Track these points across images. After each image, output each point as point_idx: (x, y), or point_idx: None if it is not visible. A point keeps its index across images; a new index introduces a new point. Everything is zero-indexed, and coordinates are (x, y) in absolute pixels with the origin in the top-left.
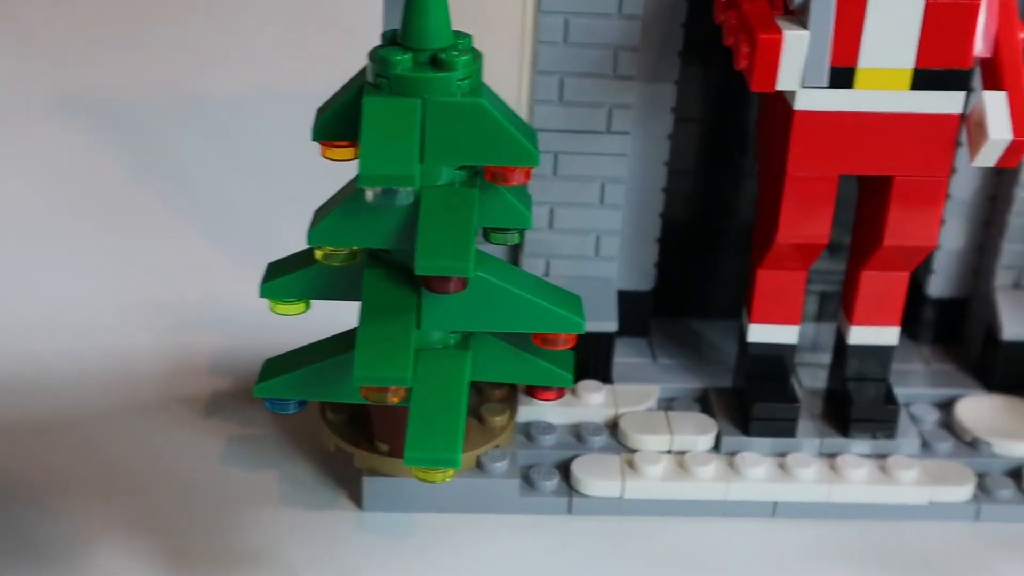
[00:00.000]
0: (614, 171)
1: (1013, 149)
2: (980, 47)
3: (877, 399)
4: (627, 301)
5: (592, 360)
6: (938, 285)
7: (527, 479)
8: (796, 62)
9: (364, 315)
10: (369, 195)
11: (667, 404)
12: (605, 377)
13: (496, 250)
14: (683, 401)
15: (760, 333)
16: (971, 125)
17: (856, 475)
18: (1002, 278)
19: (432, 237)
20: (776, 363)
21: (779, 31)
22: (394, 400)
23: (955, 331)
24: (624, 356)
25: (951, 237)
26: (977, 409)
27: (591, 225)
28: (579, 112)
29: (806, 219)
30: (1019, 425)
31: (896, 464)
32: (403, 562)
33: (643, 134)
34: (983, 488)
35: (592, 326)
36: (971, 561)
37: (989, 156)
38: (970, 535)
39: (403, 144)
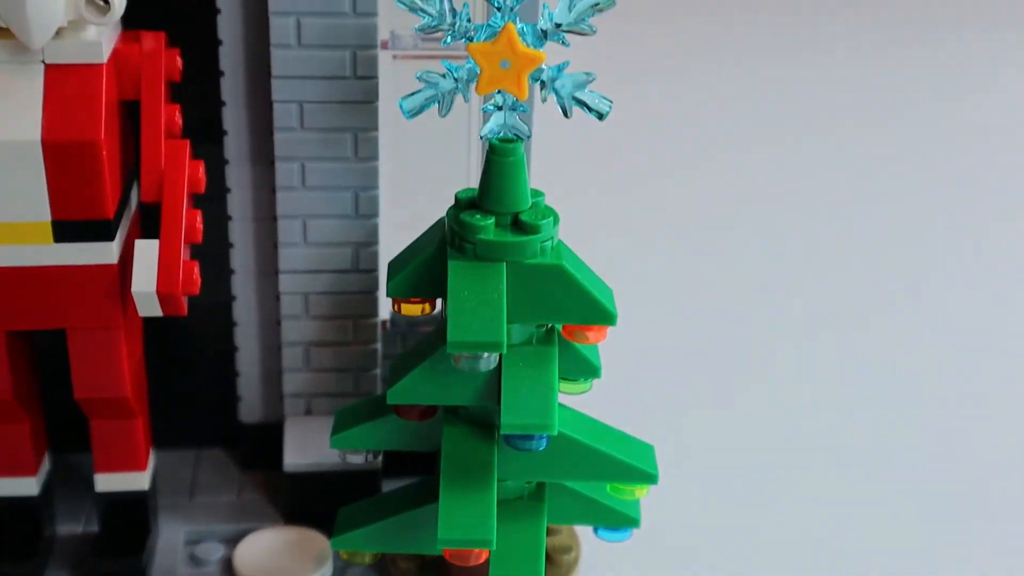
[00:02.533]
0: None
1: (167, 301)
2: (148, 194)
3: (121, 549)
4: None
5: None
6: (247, 411)
7: None
8: None
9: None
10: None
11: None
12: None
13: None
14: None
15: None
16: None
17: None
18: (291, 406)
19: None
20: (21, 516)
21: None
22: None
23: (274, 458)
24: None
25: (246, 363)
26: (258, 545)
27: None
28: None
29: None
30: (289, 562)
31: None
32: None
33: None
34: None
35: None
36: None
37: (145, 308)
38: None
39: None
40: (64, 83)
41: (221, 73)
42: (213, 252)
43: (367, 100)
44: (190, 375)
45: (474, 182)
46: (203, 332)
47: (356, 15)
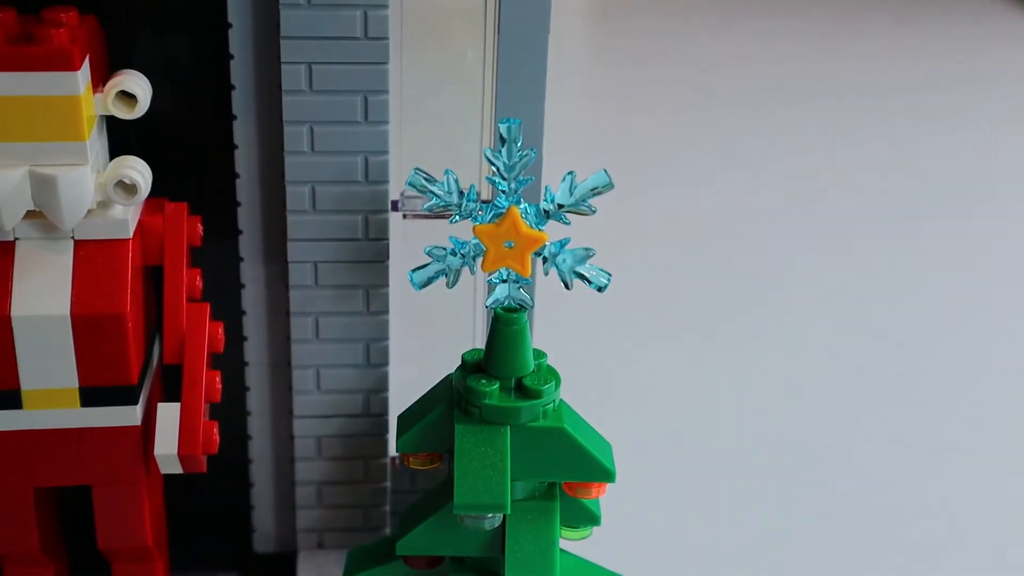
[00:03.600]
0: None
1: (187, 461)
2: (170, 356)
3: None
4: None
5: None
6: (261, 541)
7: None
8: None
9: None
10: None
11: None
12: None
13: None
14: None
15: None
16: None
17: None
18: (304, 539)
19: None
20: None
21: None
22: None
23: None
24: None
25: (260, 497)
26: None
27: None
28: None
29: (3, 530)
30: None
31: None
32: None
33: None
34: None
35: None
36: None
37: (167, 467)
38: None
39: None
40: (92, 258)
41: (240, 232)
42: (230, 393)
43: (379, 260)
44: (207, 505)
45: (480, 331)
46: (220, 467)
47: (368, 183)
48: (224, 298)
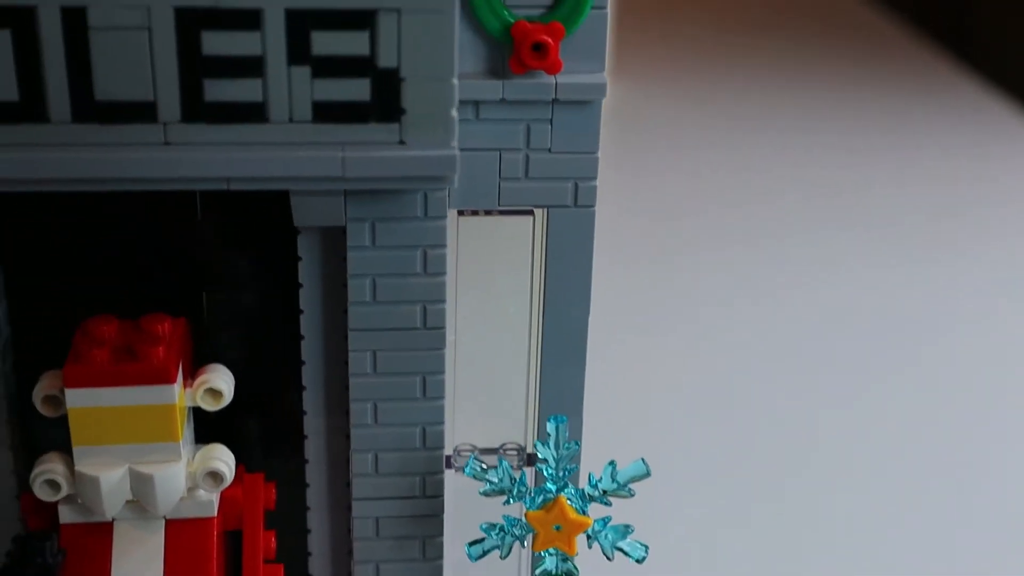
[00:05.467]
0: None
1: None
2: None
3: None
4: None
5: None
6: None
7: None
8: None
9: None
10: None
11: None
12: None
13: None
14: None
15: None
16: None
17: None
18: None
19: None
20: None
21: None
22: None
23: None
24: None
25: None
26: None
27: None
28: None
29: None
30: None
31: None
32: None
33: None
34: None
35: None
36: None
37: None
38: None
39: None
40: (181, 535)
41: (307, 485)
42: None
43: (433, 514)
44: None
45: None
46: None
47: (426, 449)
48: (292, 542)
